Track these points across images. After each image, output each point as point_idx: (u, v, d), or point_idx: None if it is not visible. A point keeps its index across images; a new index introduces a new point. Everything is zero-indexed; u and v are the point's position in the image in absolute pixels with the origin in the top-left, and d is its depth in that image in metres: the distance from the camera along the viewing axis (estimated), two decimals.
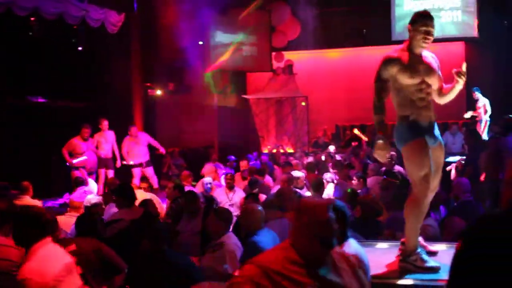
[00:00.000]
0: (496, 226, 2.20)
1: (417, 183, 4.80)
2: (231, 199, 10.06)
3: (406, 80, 4.82)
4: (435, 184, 4.99)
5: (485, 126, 15.44)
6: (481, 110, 15.48)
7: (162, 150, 14.08)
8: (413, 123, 4.84)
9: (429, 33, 4.87)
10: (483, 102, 15.45)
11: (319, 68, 21.04)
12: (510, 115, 18.00)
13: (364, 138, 14.83)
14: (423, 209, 4.86)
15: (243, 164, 13.62)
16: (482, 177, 9.45)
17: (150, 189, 10.65)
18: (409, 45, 4.91)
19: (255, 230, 5.69)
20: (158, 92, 17.97)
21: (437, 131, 5.00)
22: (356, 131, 16.57)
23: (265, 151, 19.56)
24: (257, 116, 20.67)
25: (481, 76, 17.28)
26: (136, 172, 13.54)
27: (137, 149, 13.57)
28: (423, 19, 4.90)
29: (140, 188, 9.92)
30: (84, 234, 5.62)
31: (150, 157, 13.94)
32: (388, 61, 4.86)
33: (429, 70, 4.95)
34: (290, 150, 19.50)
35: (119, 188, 7.70)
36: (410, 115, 4.85)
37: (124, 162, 13.66)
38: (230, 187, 10.36)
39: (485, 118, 15.47)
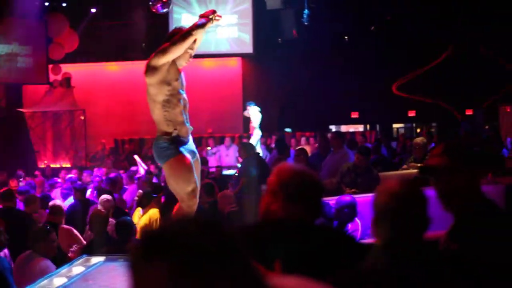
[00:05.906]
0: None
1: (186, 199, 4.86)
2: None
3: (170, 92, 4.88)
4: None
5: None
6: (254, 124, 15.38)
7: None
8: (176, 138, 4.87)
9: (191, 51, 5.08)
10: (256, 116, 15.29)
11: (98, 81, 20.84)
12: (286, 129, 19.36)
13: (144, 166, 13.61)
14: None
15: (13, 184, 12.11)
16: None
17: None
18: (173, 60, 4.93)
19: None
20: None
21: (193, 145, 5.14)
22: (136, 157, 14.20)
23: (42, 166, 18.80)
24: (33, 130, 19.81)
25: (258, 90, 18.32)
26: None
27: None
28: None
29: None
30: None
31: None
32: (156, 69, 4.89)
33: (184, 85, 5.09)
34: (67, 165, 18.97)
35: None
36: (173, 130, 4.88)
37: None
38: None
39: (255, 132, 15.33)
